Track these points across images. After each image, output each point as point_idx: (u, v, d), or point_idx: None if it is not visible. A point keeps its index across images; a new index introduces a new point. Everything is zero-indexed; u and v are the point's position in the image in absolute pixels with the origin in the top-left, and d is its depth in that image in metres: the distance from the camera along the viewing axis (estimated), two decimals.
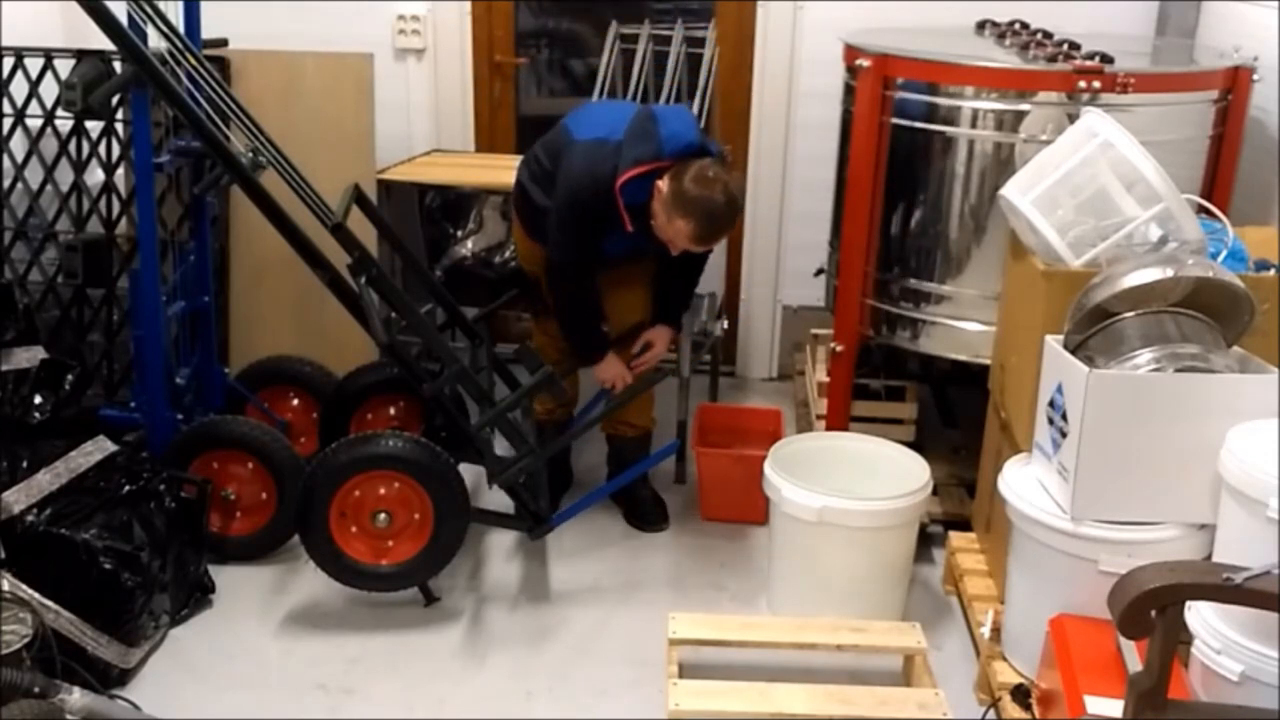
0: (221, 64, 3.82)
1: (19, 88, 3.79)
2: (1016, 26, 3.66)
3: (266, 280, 4.02)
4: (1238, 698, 2.10)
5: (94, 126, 3.78)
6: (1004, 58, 3.35)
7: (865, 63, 3.27)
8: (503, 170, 3.95)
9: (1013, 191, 2.85)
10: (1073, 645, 2.37)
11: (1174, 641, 1.96)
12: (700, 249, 3.20)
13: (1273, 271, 2.79)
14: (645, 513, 3.63)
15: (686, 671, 2.80)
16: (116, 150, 3.77)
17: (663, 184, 3.06)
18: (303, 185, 3.07)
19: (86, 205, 3.80)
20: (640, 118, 3.16)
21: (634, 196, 3.09)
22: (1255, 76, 3.27)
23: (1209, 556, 2.44)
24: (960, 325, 3.35)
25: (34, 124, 3.82)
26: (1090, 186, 2.78)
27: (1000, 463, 2.86)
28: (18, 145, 3.84)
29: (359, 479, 3.02)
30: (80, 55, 3.64)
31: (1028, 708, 2.56)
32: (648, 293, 3.47)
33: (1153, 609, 1.93)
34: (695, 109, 4.07)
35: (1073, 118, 3.01)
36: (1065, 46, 3.24)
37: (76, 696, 2.41)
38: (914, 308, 3.42)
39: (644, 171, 3.07)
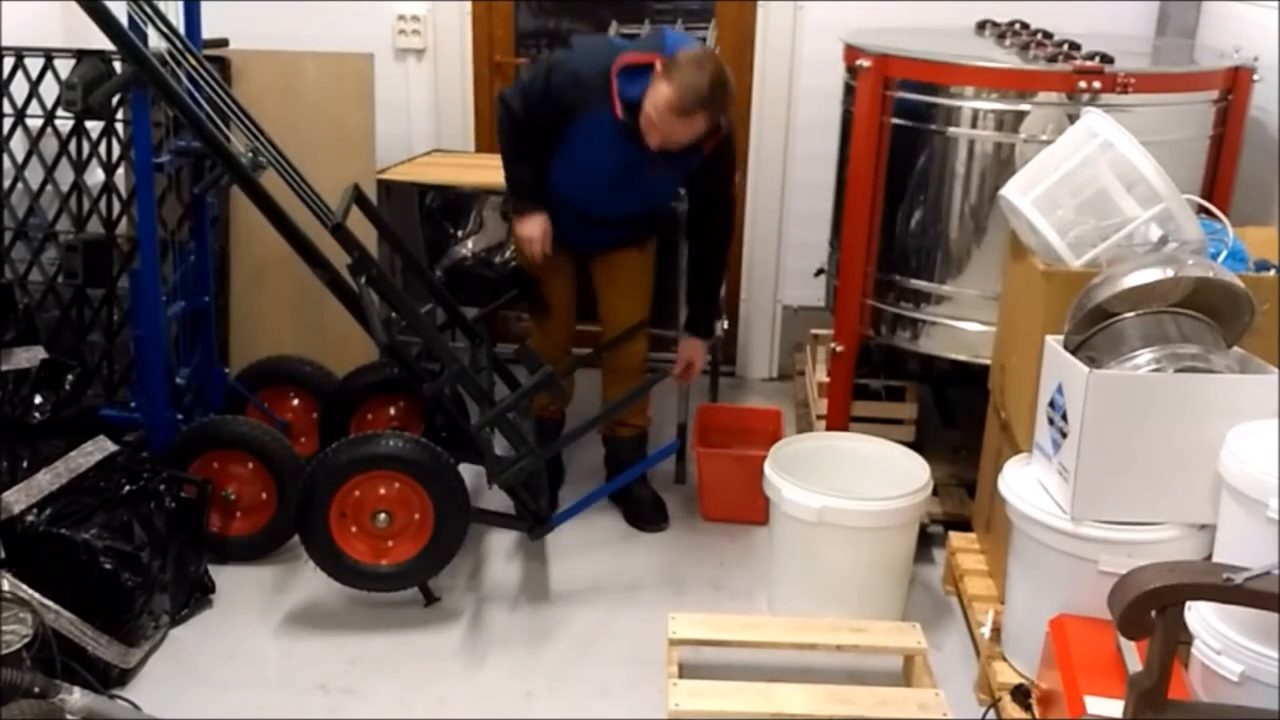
0: (221, 64, 3.82)
1: (19, 88, 3.79)
2: (1016, 27, 3.66)
3: (266, 280, 4.02)
4: (1238, 698, 2.10)
5: (94, 126, 3.77)
6: (1004, 58, 3.35)
7: (865, 63, 3.27)
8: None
9: (1013, 191, 2.85)
10: (1073, 645, 2.37)
11: (1174, 641, 1.96)
12: (677, 125, 3.02)
13: (1273, 271, 2.79)
14: (645, 513, 3.62)
15: (686, 671, 2.80)
16: (116, 150, 3.76)
17: (659, 64, 3.03)
18: (303, 185, 3.07)
19: (86, 205, 3.79)
20: (649, 35, 3.18)
21: (629, 89, 3.06)
22: (1255, 76, 3.27)
23: (1209, 556, 2.44)
24: (960, 325, 3.36)
25: (34, 124, 3.81)
26: (1090, 187, 2.78)
27: (1000, 463, 2.86)
28: (18, 145, 3.83)
29: (359, 479, 3.02)
30: (80, 55, 3.64)
31: (1028, 708, 2.55)
32: (648, 293, 3.46)
33: (1153, 609, 1.93)
34: None
35: (1073, 118, 3.01)
36: (1065, 47, 3.24)
37: (76, 696, 2.41)
38: (914, 308, 3.42)
39: (644, 61, 3.05)
